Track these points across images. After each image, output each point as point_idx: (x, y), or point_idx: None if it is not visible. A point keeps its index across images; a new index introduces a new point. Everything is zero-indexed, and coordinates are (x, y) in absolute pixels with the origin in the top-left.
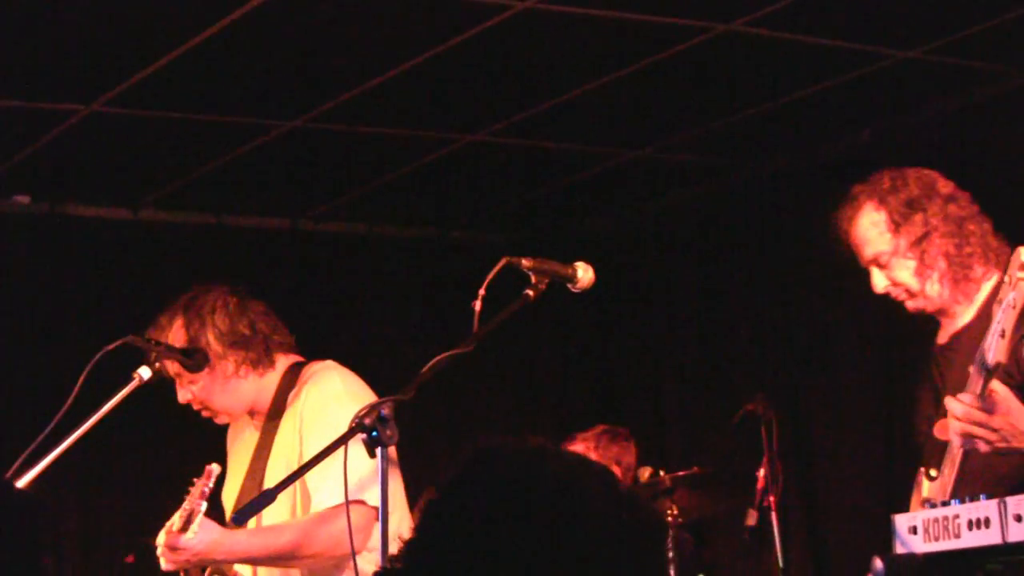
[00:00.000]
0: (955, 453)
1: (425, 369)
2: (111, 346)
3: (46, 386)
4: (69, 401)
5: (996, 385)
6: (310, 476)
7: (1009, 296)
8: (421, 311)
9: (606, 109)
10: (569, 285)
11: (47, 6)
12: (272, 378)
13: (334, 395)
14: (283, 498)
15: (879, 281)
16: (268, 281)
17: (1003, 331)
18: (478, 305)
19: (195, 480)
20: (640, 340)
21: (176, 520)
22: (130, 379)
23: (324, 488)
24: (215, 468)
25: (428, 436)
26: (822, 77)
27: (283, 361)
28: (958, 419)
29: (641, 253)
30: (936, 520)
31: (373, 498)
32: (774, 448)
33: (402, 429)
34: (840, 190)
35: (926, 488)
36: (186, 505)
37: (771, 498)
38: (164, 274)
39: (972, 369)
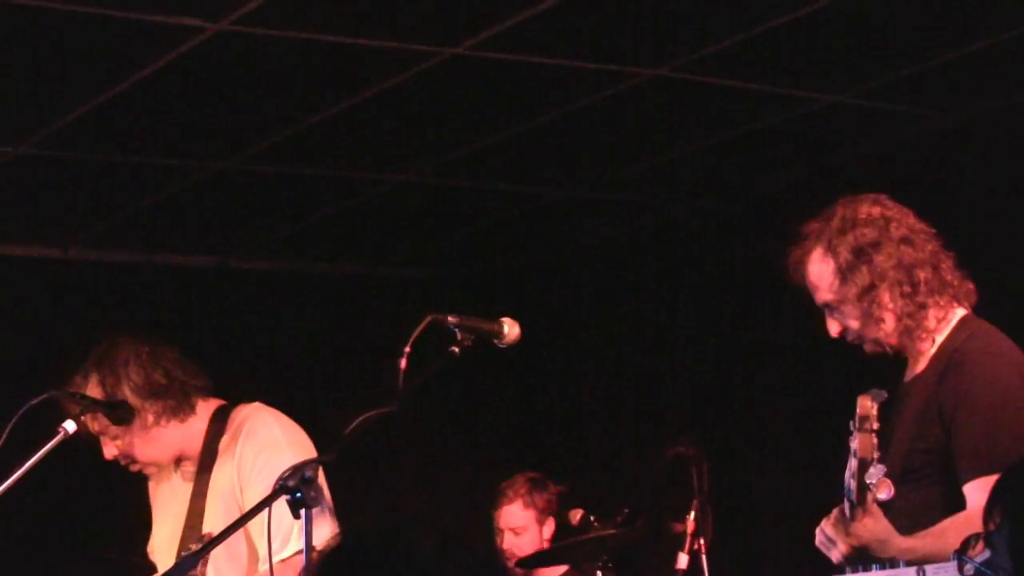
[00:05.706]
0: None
1: (348, 430)
2: (35, 401)
3: None
4: None
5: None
6: (255, 531)
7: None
8: (350, 347)
9: (531, 152)
10: (495, 341)
11: None
12: (197, 424)
13: (272, 444)
14: (231, 549)
15: (831, 326)
16: (197, 318)
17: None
18: (403, 363)
19: None
20: (565, 382)
21: None
22: (55, 433)
23: (267, 545)
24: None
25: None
26: (747, 121)
27: (204, 406)
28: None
29: (564, 293)
30: None
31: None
32: (704, 491)
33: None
34: (764, 232)
35: None
36: None
37: (701, 541)
38: (94, 312)
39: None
